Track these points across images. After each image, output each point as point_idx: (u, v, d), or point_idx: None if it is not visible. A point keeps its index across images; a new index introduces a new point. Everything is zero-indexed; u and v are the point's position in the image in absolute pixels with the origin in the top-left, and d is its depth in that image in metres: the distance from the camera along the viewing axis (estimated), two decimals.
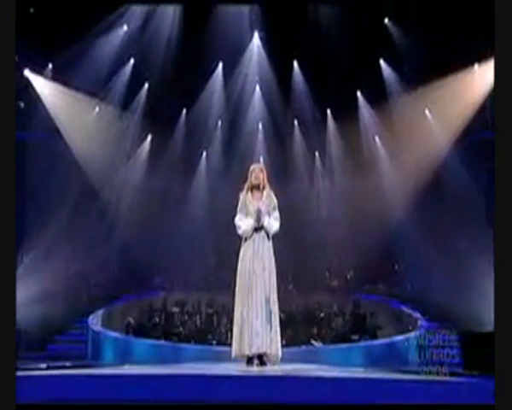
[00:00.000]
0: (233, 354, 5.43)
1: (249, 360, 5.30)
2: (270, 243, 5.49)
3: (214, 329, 12.32)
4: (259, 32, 13.30)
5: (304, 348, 11.34)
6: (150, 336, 11.70)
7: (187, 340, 11.91)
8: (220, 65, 13.62)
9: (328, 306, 12.95)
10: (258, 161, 11.91)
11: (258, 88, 14.09)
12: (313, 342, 11.79)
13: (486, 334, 6.84)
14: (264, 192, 5.55)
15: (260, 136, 14.44)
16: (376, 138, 13.93)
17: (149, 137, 14.15)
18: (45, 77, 12.45)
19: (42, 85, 12.43)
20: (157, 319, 12.41)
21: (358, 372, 5.44)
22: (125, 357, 10.43)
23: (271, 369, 5.15)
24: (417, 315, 11.83)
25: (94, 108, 13.05)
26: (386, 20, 12.53)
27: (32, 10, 11.51)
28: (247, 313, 5.29)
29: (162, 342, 11.63)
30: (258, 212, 5.41)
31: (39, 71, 12.38)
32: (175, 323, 12.49)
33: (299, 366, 6.53)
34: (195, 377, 3.90)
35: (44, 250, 11.31)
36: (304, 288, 13.26)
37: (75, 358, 9.73)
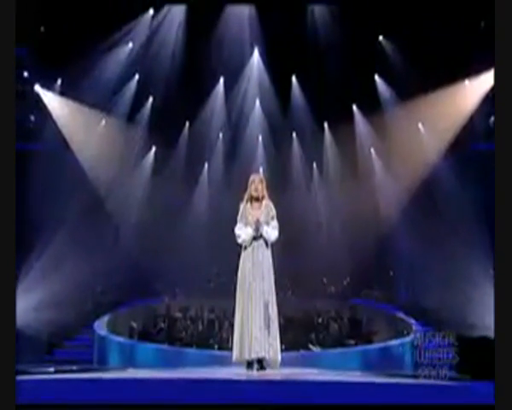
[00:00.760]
0: (233, 359, 5.50)
1: (249, 365, 5.37)
2: (269, 251, 5.58)
3: (216, 334, 12.36)
4: (259, 49, 13.61)
5: (302, 352, 11.42)
6: (154, 341, 11.82)
7: (189, 345, 12.01)
8: (221, 80, 13.94)
9: (325, 311, 13.01)
10: (258, 172, 12.00)
11: (258, 102, 14.36)
12: (311, 346, 11.90)
13: (481, 338, 6.97)
14: (263, 202, 5.63)
15: (260, 148, 14.68)
16: (372, 150, 14.18)
17: (153, 149, 14.42)
18: (54, 92, 12.85)
19: (51, 100, 12.84)
20: (161, 325, 12.51)
21: (355, 376, 5.56)
22: (129, 361, 10.53)
23: (270, 373, 5.22)
24: (412, 320, 11.91)
25: (100, 121, 13.35)
26: (380, 38, 12.93)
27: (42, 29, 12.00)
28: (247, 319, 5.37)
29: (166, 346, 11.69)
30: (256, 222, 5.51)
31: (49, 86, 12.79)
32: (178, 328, 12.58)
33: (298, 370, 6.64)
34: (197, 381, 3.91)
35: (53, 259, 11.42)
36: (302, 294, 13.44)
37: (81, 362, 9.79)
